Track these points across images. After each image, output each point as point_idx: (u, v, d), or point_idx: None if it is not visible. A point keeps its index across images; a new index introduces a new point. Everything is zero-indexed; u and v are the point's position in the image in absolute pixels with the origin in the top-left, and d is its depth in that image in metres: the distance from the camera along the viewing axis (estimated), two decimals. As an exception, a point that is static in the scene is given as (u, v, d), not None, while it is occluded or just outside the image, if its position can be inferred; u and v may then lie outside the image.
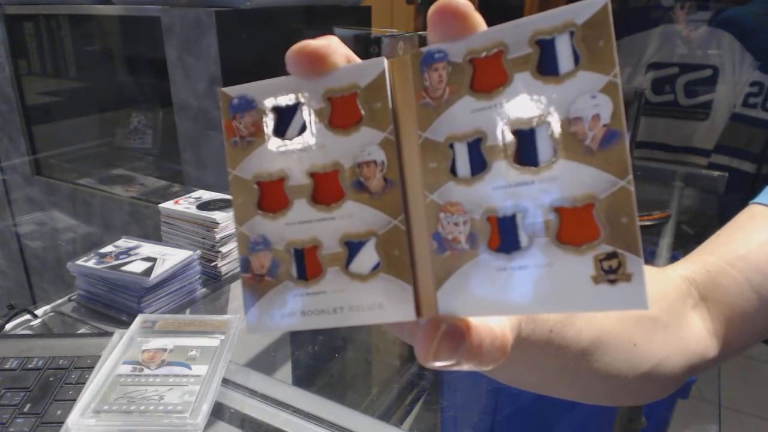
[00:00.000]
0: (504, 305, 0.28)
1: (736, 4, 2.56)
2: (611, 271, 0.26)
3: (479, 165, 0.29)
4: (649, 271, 0.57)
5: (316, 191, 0.31)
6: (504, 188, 0.28)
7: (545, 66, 0.27)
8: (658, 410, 1.25)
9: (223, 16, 1.56)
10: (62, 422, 0.77)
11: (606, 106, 0.26)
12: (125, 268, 1.10)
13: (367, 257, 0.30)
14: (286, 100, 0.32)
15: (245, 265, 0.32)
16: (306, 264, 0.31)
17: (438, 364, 0.30)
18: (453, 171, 0.29)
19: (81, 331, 1.08)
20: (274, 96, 0.32)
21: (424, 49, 0.30)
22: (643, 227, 1.51)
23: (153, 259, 1.13)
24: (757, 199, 0.60)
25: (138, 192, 2.04)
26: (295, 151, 0.31)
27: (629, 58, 2.63)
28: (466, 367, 0.30)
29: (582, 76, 0.27)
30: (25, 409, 0.81)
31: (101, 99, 2.33)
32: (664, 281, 0.56)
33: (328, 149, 0.31)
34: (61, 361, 0.90)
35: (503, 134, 0.28)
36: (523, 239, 0.28)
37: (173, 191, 1.99)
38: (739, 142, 2.50)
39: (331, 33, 1.58)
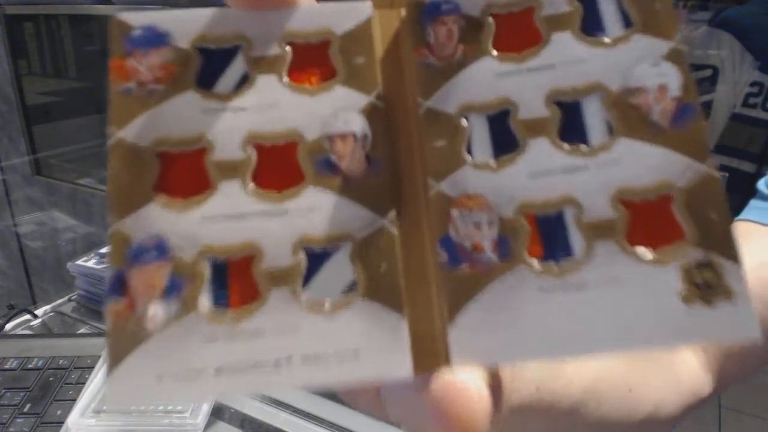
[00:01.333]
0: (554, 345, 0.20)
1: (736, 4, 2.56)
2: (706, 286, 0.20)
3: (508, 144, 0.22)
4: None
5: (258, 170, 0.21)
6: (546, 175, 0.21)
7: (590, 26, 0.22)
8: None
9: (223, 16, 1.55)
10: (62, 422, 0.77)
11: (673, 75, 0.21)
12: (125, 268, 1.10)
13: (337, 274, 0.21)
14: (219, 38, 0.22)
15: (117, 284, 0.20)
16: (230, 284, 0.20)
17: None
18: (469, 151, 0.22)
19: (81, 331, 1.08)
20: (200, 31, 0.22)
21: None
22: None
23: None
24: (741, 216, 0.57)
25: (138, 192, 2.04)
26: (228, 111, 0.22)
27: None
28: None
29: (638, 40, 0.22)
30: (25, 409, 0.81)
31: (101, 99, 2.32)
32: None
33: (282, 112, 0.22)
34: (61, 361, 0.90)
35: (541, 105, 0.22)
36: (577, 245, 0.21)
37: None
38: (739, 143, 2.49)
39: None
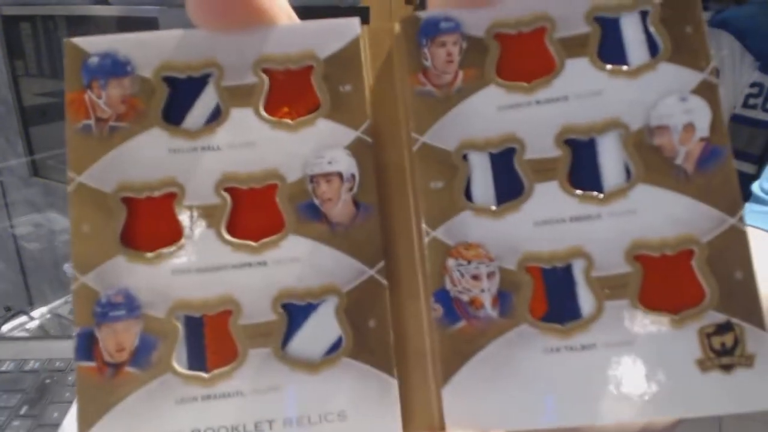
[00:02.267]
0: (556, 412, 0.18)
1: (735, 4, 2.56)
2: (725, 352, 0.18)
3: (512, 188, 0.20)
4: None
5: (234, 217, 0.20)
6: (553, 224, 0.19)
7: (610, 52, 0.20)
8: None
9: (221, 16, 1.55)
10: (59, 425, 0.77)
11: (702, 112, 0.19)
12: (122, 269, 1.09)
13: (322, 330, 0.19)
14: (187, 66, 0.20)
15: (86, 345, 0.18)
16: (206, 343, 0.19)
17: None
18: (468, 195, 0.20)
19: (78, 333, 1.08)
20: (166, 57, 0.19)
21: (422, 14, 0.20)
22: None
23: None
24: None
25: (135, 193, 2.04)
26: (199, 150, 0.19)
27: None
28: None
29: (665, 69, 0.20)
30: (22, 412, 0.81)
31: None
32: None
33: (260, 150, 0.20)
34: (57, 363, 0.90)
35: (550, 144, 0.20)
36: (586, 303, 0.19)
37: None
38: (739, 143, 2.49)
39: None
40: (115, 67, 0.19)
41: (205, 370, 0.19)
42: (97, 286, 0.19)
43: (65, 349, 0.94)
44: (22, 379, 0.87)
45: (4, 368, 0.89)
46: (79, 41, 0.19)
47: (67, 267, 1.12)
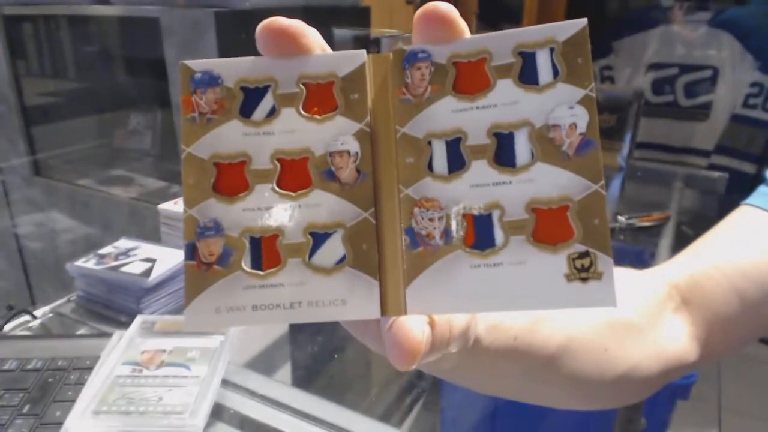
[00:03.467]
0: (476, 302, 0.29)
1: (736, 5, 2.56)
2: (583, 270, 0.27)
3: (458, 163, 0.29)
4: (630, 274, 0.56)
5: (281, 177, 0.30)
6: (482, 187, 0.29)
7: (527, 75, 0.29)
8: (657, 411, 1.25)
9: (222, 16, 1.55)
10: (61, 423, 0.77)
11: (583, 116, 0.28)
12: (124, 269, 1.10)
13: (333, 249, 0.30)
14: (255, 80, 0.30)
15: (191, 251, 0.29)
16: (262, 253, 0.30)
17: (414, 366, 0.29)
18: (430, 167, 0.30)
19: (80, 332, 1.08)
20: (243, 74, 0.30)
21: (407, 47, 0.30)
22: (642, 228, 1.51)
23: (152, 260, 1.13)
24: (748, 200, 0.59)
25: (137, 193, 2.04)
26: (261, 134, 0.30)
27: (629, 58, 2.63)
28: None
29: (561, 87, 0.29)
30: (25, 410, 0.81)
31: (100, 100, 2.32)
32: (645, 285, 0.56)
33: (298, 135, 0.30)
34: (60, 362, 0.90)
35: (483, 135, 0.29)
36: (499, 237, 0.29)
37: (172, 192, 1.99)
38: (740, 143, 2.49)
39: (330, 33, 1.56)
40: (211, 80, 0.30)
41: (261, 270, 0.29)
42: (198, 216, 0.30)
43: (67, 348, 0.94)
44: (24, 377, 0.87)
45: (6, 367, 0.89)
46: (189, 63, 0.30)
47: (69, 266, 1.12)
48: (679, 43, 2.55)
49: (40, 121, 2.20)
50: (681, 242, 1.55)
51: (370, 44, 1.90)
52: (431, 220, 0.29)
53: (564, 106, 0.28)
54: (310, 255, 0.30)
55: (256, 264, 0.30)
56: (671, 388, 1.18)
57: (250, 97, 0.30)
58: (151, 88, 2.16)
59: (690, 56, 2.54)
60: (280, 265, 0.29)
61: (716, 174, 2.00)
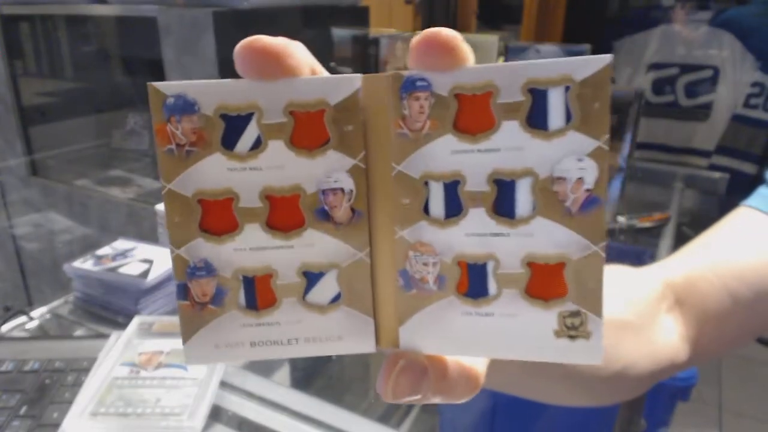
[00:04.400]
0: (466, 347, 0.29)
1: (736, 4, 2.57)
2: (573, 328, 0.27)
3: (454, 208, 0.28)
4: (626, 272, 0.57)
5: (271, 216, 0.29)
6: (478, 236, 0.28)
7: (536, 118, 0.27)
8: (657, 412, 1.25)
9: (220, 16, 1.55)
10: (59, 425, 0.77)
11: (591, 171, 0.26)
12: (122, 269, 1.09)
13: (327, 288, 0.29)
14: (236, 107, 0.28)
15: (183, 291, 0.29)
16: (257, 293, 0.29)
17: (401, 399, 0.29)
18: (426, 210, 0.28)
19: (77, 333, 1.08)
20: (222, 100, 0.27)
21: (405, 73, 0.28)
22: (643, 229, 1.50)
23: (150, 261, 1.12)
24: (747, 202, 0.59)
25: (135, 193, 2.03)
26: (248, 170, 0.28)
27: (629, 58, 2.63)
28: (436, 400, 0.30)
29: (572, 136, 0.26)
30: (22, 412, 0.81)
31: (98, 100, 2.32)
32: (641, 283, 0.56)
33: (288, 171, 0.28)
34: (57, 364, 0.90)
35: (483, 181, 0.27)
36: (492, 288, 0.28)
37: (170, 192, 1.99)
38: (740, 143, 2.49)
39: (329, 33, 1.56)
40: (186, 106, 0.27)
41: (257, 309, 0.29)
42: (187, 256, 0.29)
43: (65, 349, 0.94)
44: (21, 379, 0.87)
45: (3, 368, 0.89)
46: (159, 86, 0.27)
47: (67, 266, 1.12)
48: (679, 42, 2.55)
49: (37, 121, 2.20)
50: (681, 243, 1.54)
51: (369, 44, 1.90)
52: (425, 264, 0.29)
53: (572, 158, 0.26)
54: (305, 294, 0.29)
55: (251, 303, 0.29)
56: (672, 390, 1.18)
57: (231, 127, 0.28)
58: (149, 89, 2.16)
59: (690, 56, 2.54)
60: (275, 304, 0.29)
61: (717, 174, 2.00)
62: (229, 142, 0.28)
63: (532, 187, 0.27)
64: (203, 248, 0.29)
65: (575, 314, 0.27)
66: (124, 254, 1.15)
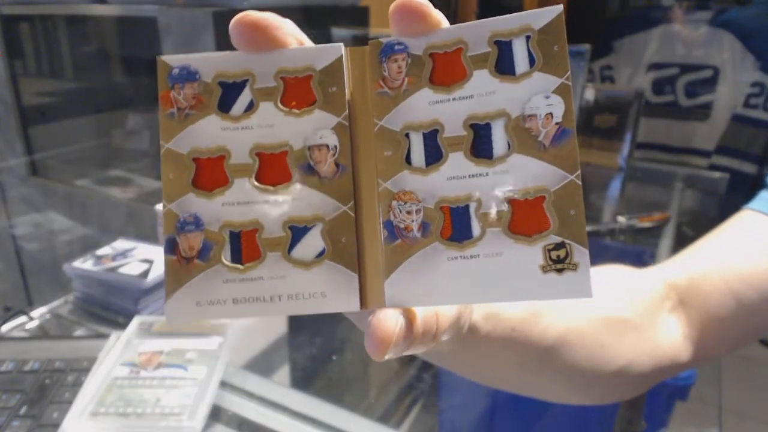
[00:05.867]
0: (453, 295, 0.29)
1: (736, 4, 2.56)
2: (559, 261, 0.27)
3: (435, 155, 0.30)
4: (628, 272, 0.57)
5: (260, 171, 0.30)
6: (458, 179, 0.29)
7: (503, 65, 0.29)
8: (656, 412, 1.25)
9: (221, 16, 1.55)
10: (59, 425, 0.77)
11: (559, 105, 0.28)
12: (122, 269, 1.09)
13: (312, 243, 0.30)
14: (233, 75, 0.30)
15: (171, 246, 0.30)
16: (242, 247, 0.30)
17: (389, 357, 0.30)
18: (408, 160, 0.30)
19: (77, 333, 1.08)
20: (220, 69, 0.30)
21: (383, 40, 0.30)
22: (643, 229, 1.50)
23: (150, 261, 1.12)
24: (750, 205, 0.60)
25: (135, 193, 2.03)
26: (240, 129, 0.30)
27: (629, 58, 2.63)
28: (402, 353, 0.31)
29: (537, 76, 0.29)
30: (21, 412, 0.81)
31: (98, 100, 2.32)
32: (642, 284, 0.56)
33: (277, 129, 0.30)
34: (57, 364, 0.90)
35: (460, 127, 0.29)
36: (476, 229, 0.29)
37: (170, 192, 1.98)
38: (740, 143, 2.49)
39: (329, 33, 1.56)
40: (189, 76, 0.30)
41: (241, 263, 0.30)
42: (177, 211, 0.30)
43: (65, 349, 0.94)
44: (21, 379, 0.87)
45: (3, 368, 0.89)
46: (166, 58, 0.30)
47: (67, 267, 1.12)
48: (679, 42, 2.55)
49: (37, 121, 2.20)
50: (681, 243, 1.55)
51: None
52: (409, 212, 0.29)
53: (540, 96, 0.28)
54: (290, 249, 0.30)
55: (236, 258, 0.30)
56: (670, 389, 1.18)
57: (228, 92, 0.31)
58: (149, 88, 2.16)
59: (690, 56, 2.54)
60: (259, 258, 0.30)
61: (717, 174, 2.00)
62: (224, 105, 0.30)
63: (506, 127, 0.29)
64: (193, 203, 0.30)
65: (560, 246, 0.28)
66: (124, 254, 1.15)
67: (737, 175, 2.34)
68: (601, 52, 2.63)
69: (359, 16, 2.07)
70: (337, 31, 1.90)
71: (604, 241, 1.46)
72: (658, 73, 2.60)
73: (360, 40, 1.90)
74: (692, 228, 1.60)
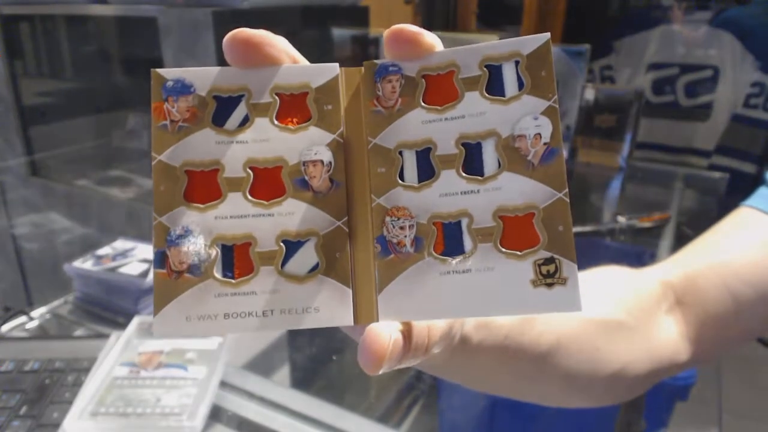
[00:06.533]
0: (446, 309, 0.29)
1: (736, 5, 2.56)
2: (549, 275, 0.28)
3: (427, 172, 0.30)
4: (624, 273, 0.57)
5: (254, 185, 0.30)
6: (451, 195, 0.30)
7: (493, 87, 0.30)
8: (656, 413, 1.25)
9: (220, 16, 1.55)
10: (59, 425, 0.77)
11: (547, 126, 0.29)
12: (122, 269, 1.09)
13: (306, 258, 0.30)
14: (228, 89, 0.31)
15: (161, 259, 0.29)
16: (235, 261, 0.30)
17: (383, 371, 0.30)
18: (401, 177, 0.31)
19: (77, 333, 1.08)
20: (215, 84, 0.31)
21: (378, 61, 0.31)
22: (643, 229, 1.50)
23: (150, 261, 1.12)
24: (747, 202, 0.60)
25: (135, 193, 2.03)
26: (234, 143, 0.30)
27: (629, 58, 2.63)
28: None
29: (526, 99, 0.30)
30: (21, 412, 0.81)
31: (98, 100, 2.32)
32: (638, 284, 0.56)
33: (272, 144, 0.31)
34: (57, 364, 0.90)
35: (452, 145, 0.30)
36: (467, 244, 0.29)
37: (170, 192, 1.98)
38: (740, 143, 2.49)
39: (329, 33, 1.56)
40: (183, 89, 0.30)
41: (234, 278, 0.29)
42: (168, 223, 0.29)
43: (65, 349, 0.94)
44: (21, 379, 0.87)
45: (3, 368, 0.89)
46: (161, 71, 0.30)
47: (67, 266, 1.12)
48: (679, 42, 2.55)
49: (37, 121, 2.20)
50: (681, 243, 1.54)
51: (369, 44, 1.90)
52: (402, 228, 0.30)
53: (529, 117, 0.29)
54: (283, 263, 0.30)
55: (228, 272, 0.30)
56: (670, 389, 1.18)
57: (222, 106, 0.31)
58: (149, 89, 2.16)
59: (690, 56, 2.54)
60: (252, 273, 0.30)
61: (717, 174, 2.00)
62: (219, 119, 0.31)
63: (496, 146, 0.30)
64: (185, 216, 0.30)
65: (549, 261, 0.28)
66: (124, 254, 1.15)
67: (737, 175, 2.34)
68: (601, 52, 2.63)
69: (359, 16, 2.06)
70: (337, 31, 1.90)
71: (604, 241, 1.46)
72: (658, 73, 2.60)
73: (360, 40, 1.90)
74: (692, 228, 1.59)
